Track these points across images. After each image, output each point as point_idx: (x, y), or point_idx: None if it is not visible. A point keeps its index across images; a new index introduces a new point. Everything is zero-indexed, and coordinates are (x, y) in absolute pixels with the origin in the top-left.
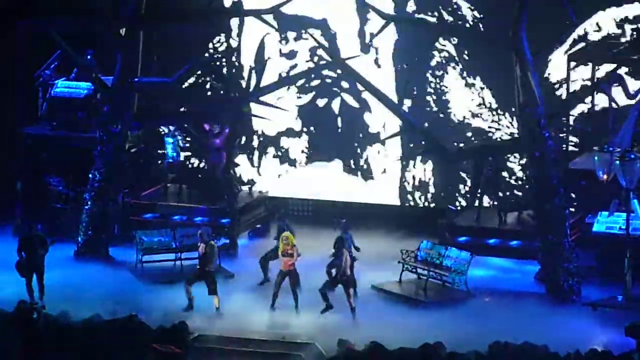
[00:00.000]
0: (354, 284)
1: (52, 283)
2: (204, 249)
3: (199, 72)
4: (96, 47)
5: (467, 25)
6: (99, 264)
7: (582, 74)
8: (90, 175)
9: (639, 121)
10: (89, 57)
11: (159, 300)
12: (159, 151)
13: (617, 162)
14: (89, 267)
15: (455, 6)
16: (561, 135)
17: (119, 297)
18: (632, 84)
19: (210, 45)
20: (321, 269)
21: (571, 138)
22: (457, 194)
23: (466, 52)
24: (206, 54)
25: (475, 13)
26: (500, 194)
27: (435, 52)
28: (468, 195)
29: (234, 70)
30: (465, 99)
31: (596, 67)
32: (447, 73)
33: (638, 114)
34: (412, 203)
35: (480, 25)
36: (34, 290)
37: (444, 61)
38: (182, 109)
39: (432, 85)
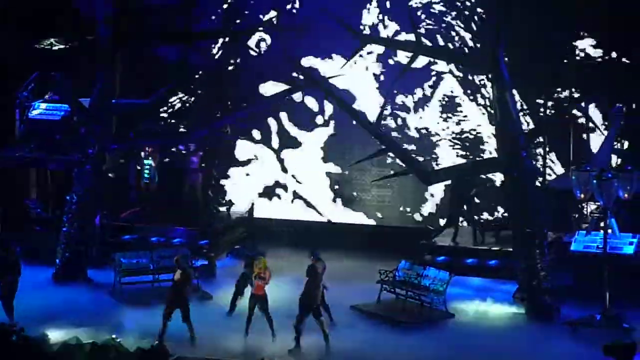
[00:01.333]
0: (327, 310)
1: (31, 305)
2: (180, 275)
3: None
4: (73, 68)
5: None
6: (78, 286)
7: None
8: (67, 198)
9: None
10: (57, 77)
11: (138, 321)
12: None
13: (595, 181)
14: (68, 289)
15: (432, 26)
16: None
17: (98, 319)
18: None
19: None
20: (297, 290)
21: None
22: (434, 214)
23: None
24: (184, 76)
25: (454, 33)
26: (478, 215)
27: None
28: (446, 216)
29: (213, 90)
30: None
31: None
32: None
33: (614, 134)
34: (390, 223)
35: (459, 46)
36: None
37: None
38: (159, 130)
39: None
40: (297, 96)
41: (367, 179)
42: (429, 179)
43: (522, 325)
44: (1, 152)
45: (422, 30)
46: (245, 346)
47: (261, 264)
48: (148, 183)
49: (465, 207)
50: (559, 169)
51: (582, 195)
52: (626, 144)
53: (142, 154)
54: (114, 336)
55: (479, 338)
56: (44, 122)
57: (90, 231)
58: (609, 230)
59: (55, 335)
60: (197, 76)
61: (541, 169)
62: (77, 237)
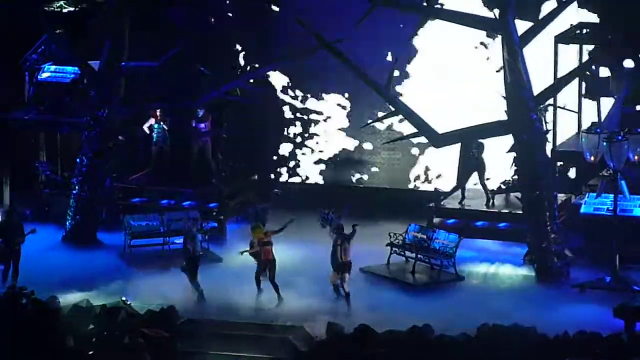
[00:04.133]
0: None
1: (41, 268)
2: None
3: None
4: (82, 31)
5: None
6: (88, 249)
7: (569, 56)
8: (77, 160)
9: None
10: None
11: (148, 284)
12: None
13: (605, 143)
14: (78, 251)
15: None
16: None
17: (108, 282)
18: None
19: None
20: (303, 253)
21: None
22: (445, 177)
23: None
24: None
25: None
26: (488, 177)
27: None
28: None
29: (222, 54)
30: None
31: (584, 49)
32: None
33: (625, 97)
34: (400, 186)
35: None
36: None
37: None
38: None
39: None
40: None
41: (377, 142)
42: (438, 142)
43: (532, 287)
44: (11, 114)
45: None
46: (255, 308)
47: (259, 230)
48: (158, 146)
49: (474, 170)
50: (569, 132)
51: (592, 158)
52: (638, 107)
53: (152, 117)
54: (123, 298)
55: (488, 300)
56: (54, 84)
57: (100, 194)
58: (620, 193)
59: (65, 298)
60: (206, 38)
61: (551, 132)
62: (87, 199)
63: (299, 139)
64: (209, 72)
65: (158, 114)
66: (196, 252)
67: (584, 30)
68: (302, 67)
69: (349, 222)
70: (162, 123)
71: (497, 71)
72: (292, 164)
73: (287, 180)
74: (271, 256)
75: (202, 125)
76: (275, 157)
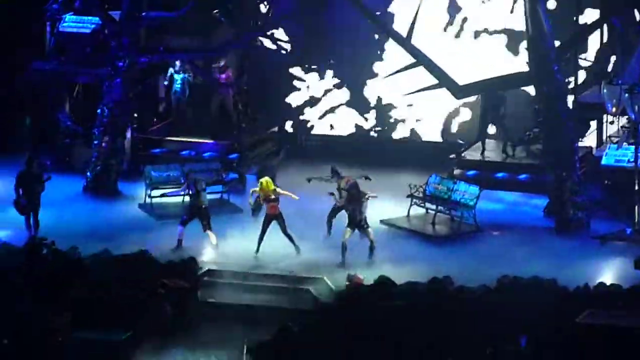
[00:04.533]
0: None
1: (61, 218)
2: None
3: (206, 7)
4: None
5: None
6: (108, 199)
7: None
8: (98, 111)
9: None
10: None
11: (168, 235)
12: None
13: (626, 94)
14: (98, 202)
15: None
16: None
17: (128, 232)
18: None
19: None
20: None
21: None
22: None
23: None
24: None
25: None
26: (509, 128)
27: None
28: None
29: (241, 5)
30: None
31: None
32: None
33: None
34: (420, 138)
35: None
36: (32, 226)
37: None
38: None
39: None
40: None
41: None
42: (459, 93)
43: (552, 239)
44: (32, 65)
45: None
46: (275, 259)
47: (266, 187)
48: (179, 97)
49: (495, 121)
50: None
51: (614, 109)
52: None
53: (173, 67)
54: (143, 249)
55: (508, 252)
56: (74, 35)
57: (121, 144)
58: None
59: (86, 248)
60: None
61: (572, 83)
62: (107, 150)
63: (319, 92)
64: (229, 22)
65: (180, 64)
66: (203, 204)
67: None
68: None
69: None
70: (182, 73)
71: (511, 12)
72: (311, 115)
73: (306, 132)
74: (277, 211)
75: (223, 76)
76: (294, 108)
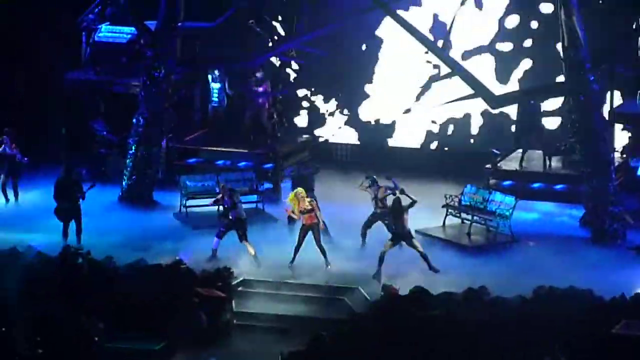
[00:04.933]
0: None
1: (97, 228)
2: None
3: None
4: None
5: None
6: (143, 209)
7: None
8: (134, 121)
9: None
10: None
11: (203, 244)
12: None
13: None
14: (133, 211)
15: None
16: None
17: (163, 242)
18: None
19: None
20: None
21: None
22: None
23: None
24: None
25: None
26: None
27: None
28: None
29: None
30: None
31: None
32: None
33: None
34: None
35: None
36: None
37: None
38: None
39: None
40: None
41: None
42: (493, 103)
43: (588, 249)
44: (68, 75)
45: None
46: (309, 270)
47: (300, 198)
48: (216, 107)
49: (532, 131)
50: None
51: None
52: None
53: (210, 77)
54: (178, 258)
55: (544, 262)
56: (110, 45)
57: (156, 154)
58: None
59: (121, 257)
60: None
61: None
62: (143, 159)
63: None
64: (264, 33)
65: (217, 73)
66: (241, 216)
67: None
68: None
69: (402, 182)
70: (219, 82)
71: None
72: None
73: (338, 142)
74: (313, 220)
75: (261, 89)
76: (325, 117)
